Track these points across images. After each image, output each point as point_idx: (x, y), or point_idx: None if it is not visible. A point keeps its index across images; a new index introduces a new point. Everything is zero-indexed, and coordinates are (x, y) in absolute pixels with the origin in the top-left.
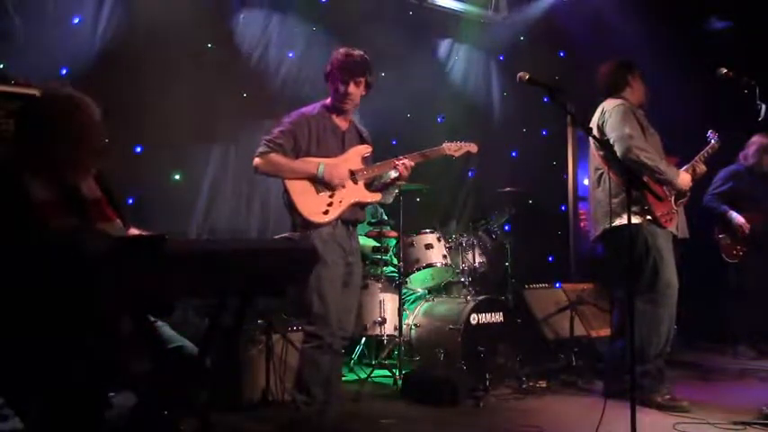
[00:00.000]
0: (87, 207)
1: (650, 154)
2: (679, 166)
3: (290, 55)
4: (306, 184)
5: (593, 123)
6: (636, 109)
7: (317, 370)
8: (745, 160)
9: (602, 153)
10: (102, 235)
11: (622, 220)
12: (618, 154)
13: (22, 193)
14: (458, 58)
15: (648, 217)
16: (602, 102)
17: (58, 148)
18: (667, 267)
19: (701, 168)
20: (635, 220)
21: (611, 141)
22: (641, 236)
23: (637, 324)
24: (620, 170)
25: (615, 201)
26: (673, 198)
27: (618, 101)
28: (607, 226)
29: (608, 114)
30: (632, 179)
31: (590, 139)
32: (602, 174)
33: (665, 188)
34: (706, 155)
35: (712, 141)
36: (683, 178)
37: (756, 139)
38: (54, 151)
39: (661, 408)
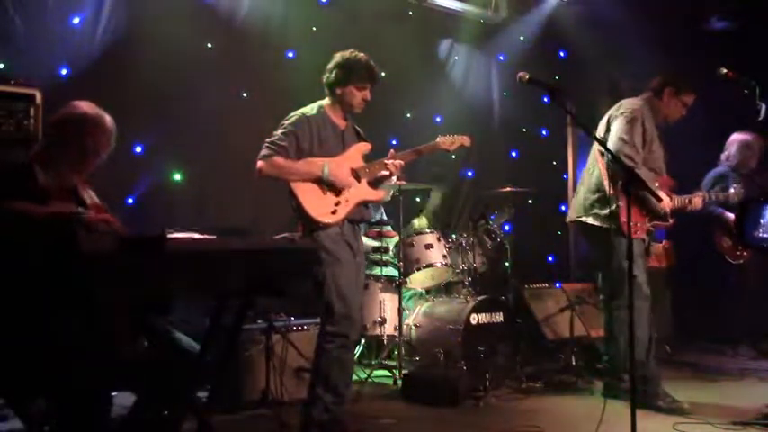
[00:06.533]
0: (87, 207)
1: (635, 165)
2: (679, 191)
3: (290, 55)
4: (312, 186)
5: (609, 113)
6: (650, 118)
7: (344, 369)
8: (727, 161)
9: (599, 149)
10: (102, 234)
11: (593, 221)
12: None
13: (31, 175)
14: (458, 58)
15: (613, 225)
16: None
17: (69, 157)
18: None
19: (697, 203)
20: (594, 222)
21: (611, 140)
22: (604, 238)
23: (615, 330)
24: (613, 170)
25: (592, 197)
26: (647, 215)
27: (638, 102)
28: (579, 218)
29: (620, 111)
30: (627, 177)
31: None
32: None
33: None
34: (717, 198)
35: (732, 191)
36: (663, 203)
37: (735, 138)
38: (65, 158)
39: (662, 411)
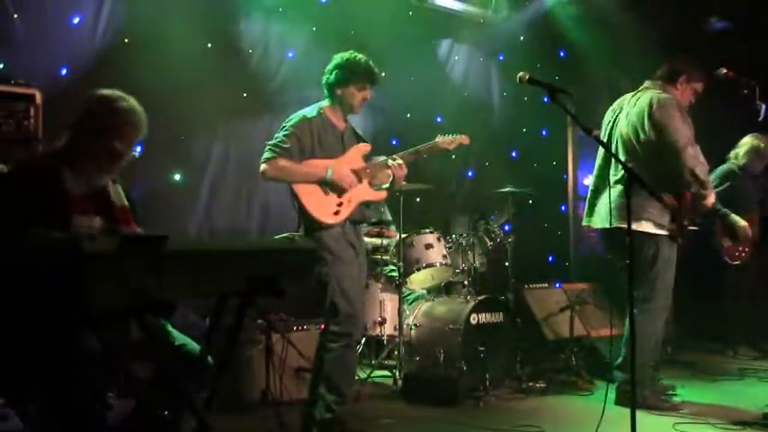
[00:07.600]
0: (114, 210)
1: (704, 167)
2: None
3: (290, 55)
4: (314, 187)
5: (629, 106)
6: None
7: (347, 368)
8: (736, 160)
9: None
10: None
11: (639, 226)
12: (672, 154)
13: (59, 179)
14: (458, 58)
15: (665, 232)
16: (645, 86)
17: (96, 161)
18: (668, 280)
19: (711, 200)
20: (651, 228)
21: (668, 140)
22: (651, 244)
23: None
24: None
25: (644, 203)
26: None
27: (668, 97)
28: (619, 225)
29: (664, 108)
30: (636, 182)
31: (622, 128)
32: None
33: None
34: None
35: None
36: (711, 197)
37: (747, 140)
38: (93, 161)
39: (655, 409)
